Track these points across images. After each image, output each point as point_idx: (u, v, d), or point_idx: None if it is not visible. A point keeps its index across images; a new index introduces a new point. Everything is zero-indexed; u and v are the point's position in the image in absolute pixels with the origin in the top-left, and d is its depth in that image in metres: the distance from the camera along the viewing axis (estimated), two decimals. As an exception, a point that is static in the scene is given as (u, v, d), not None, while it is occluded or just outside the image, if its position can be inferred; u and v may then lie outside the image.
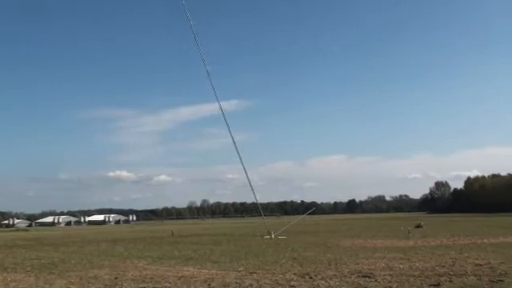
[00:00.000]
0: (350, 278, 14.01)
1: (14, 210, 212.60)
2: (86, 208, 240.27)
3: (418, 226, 49.61)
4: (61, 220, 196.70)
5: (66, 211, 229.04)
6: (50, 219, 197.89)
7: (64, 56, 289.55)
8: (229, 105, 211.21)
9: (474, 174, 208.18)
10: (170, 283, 14.08)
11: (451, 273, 14.26)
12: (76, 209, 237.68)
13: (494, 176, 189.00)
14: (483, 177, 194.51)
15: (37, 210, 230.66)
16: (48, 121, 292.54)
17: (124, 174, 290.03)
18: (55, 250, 32.85)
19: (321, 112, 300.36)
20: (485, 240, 29.24)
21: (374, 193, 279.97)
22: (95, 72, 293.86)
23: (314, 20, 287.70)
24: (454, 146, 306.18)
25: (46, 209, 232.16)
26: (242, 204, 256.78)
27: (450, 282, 12.58)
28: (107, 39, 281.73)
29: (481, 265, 16.16)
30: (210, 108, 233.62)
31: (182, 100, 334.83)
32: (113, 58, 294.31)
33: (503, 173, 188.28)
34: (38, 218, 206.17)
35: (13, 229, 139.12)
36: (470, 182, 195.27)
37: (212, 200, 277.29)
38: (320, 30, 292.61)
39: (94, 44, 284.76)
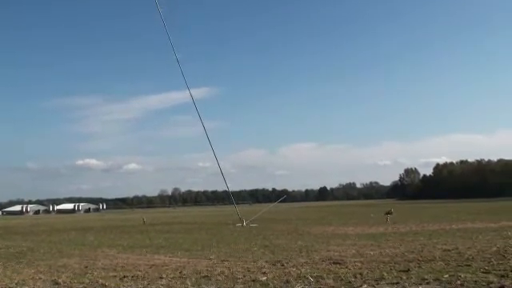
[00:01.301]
0: (321, 264, 14.11)
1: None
2: (54, 197, 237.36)
3: (388, 213, 50.12)
4: (29, 209, 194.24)
5: (34, 200, 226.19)
6: (18, 208, 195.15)
7: (28, 42, 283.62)
8: (199, 92, 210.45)
9: (442, 160, 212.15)
10: (141, 271, 13.98)
11: (420, 258, 14.46)
12: (44, 198, 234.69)
13: (463, 162, 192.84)
14: (451, 163, 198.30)
15: (4, 199, 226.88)
16: (12, 110, 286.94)
17: (93, 162, 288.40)
18: (23, 238, 32.36)
19: (290, 100, 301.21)
20: (453, 226, 29.75)
21: (345, 180, 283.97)
22: (62, 59, 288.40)
23: (285, 5, 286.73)
24: (422, 133, 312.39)
25: (14, 198, 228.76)
26: (214, 192, 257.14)
27: (419, 267, 12.76)
28: (75, 25, 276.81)
29: (449, 250, 16.44)
30: (179, 96, 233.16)
31: (151, 88, 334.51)
32: (80, 44, 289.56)
33: (471, 159, 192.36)
34: (6, 207, 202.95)
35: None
36: (438, 168, 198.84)
37: (183, 188, 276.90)
38: (290, 16, 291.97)
39: (60, 30, 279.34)
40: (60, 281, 12.75)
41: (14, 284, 12.49)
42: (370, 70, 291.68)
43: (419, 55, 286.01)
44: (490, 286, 9.97)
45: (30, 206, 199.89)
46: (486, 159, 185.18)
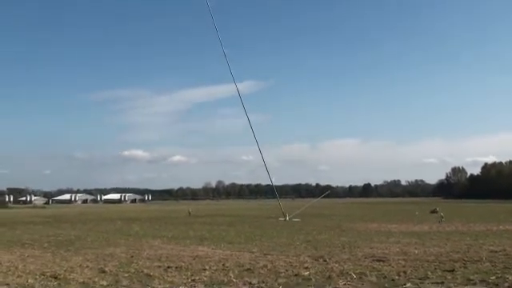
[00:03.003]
0: (364, 261, 14.01)
1: (31, 187, 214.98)
2: (101, 186, 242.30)
3: (434, 212, 49.36)
4: (77, 198, 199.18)
5: (82, 189, 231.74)
6: (67, 197, 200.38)
7: (78, 39, 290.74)
8: (244, 86, 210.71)
9: (490, 159, 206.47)
10: (184, 262, 14.21)
11: (466, 259, 14.19)
12: (91, 187, 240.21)
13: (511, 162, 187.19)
14: (500, 163, 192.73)
15: (53, 188, 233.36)
16: (62, 101, 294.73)
17: (139, 153, 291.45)
18: (72, 227, 33.31)
19: (336, 95, 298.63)
20: (500, 227, 29.04)
21: (389, 177, 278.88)
22: (110, 54, 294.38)
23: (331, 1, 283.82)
24: (470, 131, 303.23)
25: (63, 187, 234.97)
26: (257, 186, 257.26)
27: (465, 267, 12.53)
28: (121, 22, 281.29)
29: (496, 251, 16.07)
30: (224, 89, 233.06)
31: (197, 81, 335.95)
32: (126, 39, 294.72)
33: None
34: (55, 196, 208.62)
35: (30, 206, 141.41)
36: (486, 167, 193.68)
37: (227, 181, 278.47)
38: (340, 12, 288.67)
39: (108, 26, 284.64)
40: (106, 269, 13.08)
41: (62, 271, 12.88)
42: (417, 67, 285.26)
43: (471, 54, 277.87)
44: (539, 289, 9.72)
45: (78, 195, 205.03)
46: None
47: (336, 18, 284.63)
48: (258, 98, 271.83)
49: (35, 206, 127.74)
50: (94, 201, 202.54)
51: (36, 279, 11.73)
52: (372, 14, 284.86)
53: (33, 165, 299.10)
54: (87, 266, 13.75)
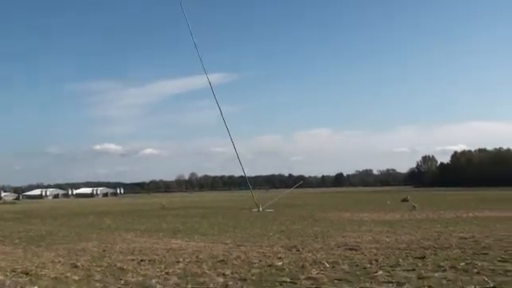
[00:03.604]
0: (337, 250, 14.15)
1: (1, 183, 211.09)
2: (72, 181, 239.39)
3: (405, 200, 50.04)
4: (48, 193, 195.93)
5: (53, 184, 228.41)
6: (37, 192, 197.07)
7: (47, 31, 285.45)
8: (216, 77, 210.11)
9: (460, 148, 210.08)
10: (158, 255, 14.15)
11: (436, 246, 14.44)
12: (63, 182, 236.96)
13: (481, 150, 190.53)
14: (469, 151, 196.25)
15: (24, 183, 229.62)
16: (32, 94, 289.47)
17: (111, 146, 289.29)
18: (43, 222, 32.83)
19: (306, 85, 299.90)
20: (470, 214, 29.60)
21: (362, 167, 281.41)
22: (79, 45, 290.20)
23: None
24: (439, 120, 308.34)
25: (34, 182, 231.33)
26: (230, 177, 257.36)
27: (435, 254, 12.75)
28: (92, 12, 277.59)
29: (465, 238, 16.38)
30: (196, 81, 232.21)
31: (168, 73, 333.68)
32: (97, 29, 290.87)
33: (489, 147, 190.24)
34: (26, 191, 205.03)
35: (0, 202, 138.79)
36: (456, 156, 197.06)
37: (200, 173, 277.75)
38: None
39: (78, 17, 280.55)
40: (79, 264, 12.94)
41: (33, 267, 12.70)
42: (386, 55, 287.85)
43: (435, 42, 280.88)
44: (508, 274, 9.93)
45: (49, 190, 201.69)
46: (505, 147, 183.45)
47: (307, 5, 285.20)
48: (230, 89, 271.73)
49: (5, 202, 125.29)
50: (66, 195, 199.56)
51: (7, 276, 11.54)
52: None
53: (2, 160, 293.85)
54: (59, 262, 13.58)
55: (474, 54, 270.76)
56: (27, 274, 11.73)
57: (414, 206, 35.93)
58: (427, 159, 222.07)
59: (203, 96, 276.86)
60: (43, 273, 11.80)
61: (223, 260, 12.87)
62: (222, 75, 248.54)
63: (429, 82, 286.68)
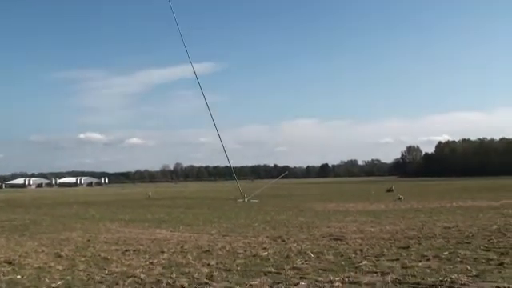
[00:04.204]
0: (322, 240, 14.20)
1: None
2: (57, 170, 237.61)
3: (390, 190, 50.36)
4: (32, 182, 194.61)
5: (37, 173, 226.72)
6: (20, 181, 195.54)
7: (32, 18, 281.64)
8: (202, 67, 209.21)
9: (444, 138, 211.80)
10: (142, 245, 14.10)
11: (420, 235, 14.55)
12: (47, 171, 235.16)
13: (464, 141, 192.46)
14: (453, 141, 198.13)
15: (7, 172, 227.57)
16: (15, 82, 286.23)
17: (95, 135, 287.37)
18: (26, 211, 32.58)
19: (292, 75, 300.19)
20: (454, 203, 29.81)
21: (347, 157, 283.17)
22: (64, 33, 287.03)
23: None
24: (424, 110, 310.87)
25: (17, 171, 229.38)
26: (216, 168, 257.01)
27: (419, 244, 12.84)
28: (77, 1, 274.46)
29: (449, 228, 16.51)
30: (182, 70, 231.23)
31: (154, 62, 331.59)
32: (81, 16, 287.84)
33: (473, 137, 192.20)
34: (9, 180, 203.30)
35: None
36: (440, 146, 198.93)
37: (185, 163, 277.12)
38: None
39: (64, 5, 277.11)
40: (62, 254, 12.86)
41: (17, 256, 12.60)
42: (370, 48, 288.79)
43: (419, 35, 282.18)
44: (490, 263, 10.03)
45: (32, 179, 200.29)
46: (489, 138, 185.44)
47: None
48: (216, 79, 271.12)
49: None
50: (49, 185, 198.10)
51: (-11, 265, 11.43)
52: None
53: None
54: (43, 251, 13.49)
55: (456, 45, 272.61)
56: (10, 263, 11.63)
57: (399, 198, 36.11)
58: (412, 149, 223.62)
59: (189, 86, 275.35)
60: (26, 262, 11.71)
61: (208, 250, 12.86)
62: (210, 64, 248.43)
63: (413, 74, 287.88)
